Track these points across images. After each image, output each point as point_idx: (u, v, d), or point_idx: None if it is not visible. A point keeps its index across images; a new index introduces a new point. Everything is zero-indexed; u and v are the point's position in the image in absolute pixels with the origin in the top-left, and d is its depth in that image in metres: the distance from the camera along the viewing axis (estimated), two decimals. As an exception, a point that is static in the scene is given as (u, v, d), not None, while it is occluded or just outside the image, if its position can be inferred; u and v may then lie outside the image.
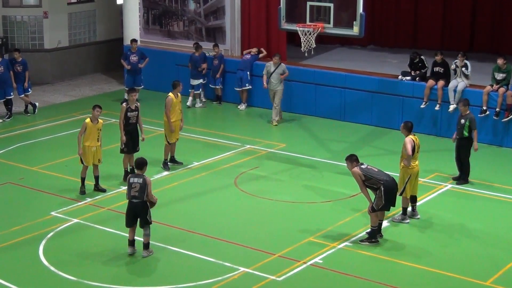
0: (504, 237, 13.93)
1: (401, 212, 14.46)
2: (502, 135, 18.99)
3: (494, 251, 13.36)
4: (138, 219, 12.84)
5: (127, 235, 13.17)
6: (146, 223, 12.81)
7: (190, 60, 22.67)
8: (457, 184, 16.35)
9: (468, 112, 16.20)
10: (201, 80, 22.71)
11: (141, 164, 12.97)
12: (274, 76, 20.97)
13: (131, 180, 12.78)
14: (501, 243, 13.69)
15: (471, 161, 16.54)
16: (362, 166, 13.34)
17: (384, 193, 13.18)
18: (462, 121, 16.19)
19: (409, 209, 14.53)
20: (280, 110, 21.10)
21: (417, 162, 14.20)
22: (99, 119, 15.67)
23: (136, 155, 16.33)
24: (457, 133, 16.36)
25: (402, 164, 14.22)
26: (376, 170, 13.39)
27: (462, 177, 16.44)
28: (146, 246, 12.97)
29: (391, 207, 13.49)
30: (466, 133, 16.12)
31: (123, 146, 16.35)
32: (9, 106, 21.50)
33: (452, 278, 12.31)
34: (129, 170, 16.34)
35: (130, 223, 12.86)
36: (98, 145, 15.69)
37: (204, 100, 23.00)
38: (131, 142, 16.36)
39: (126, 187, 12.87)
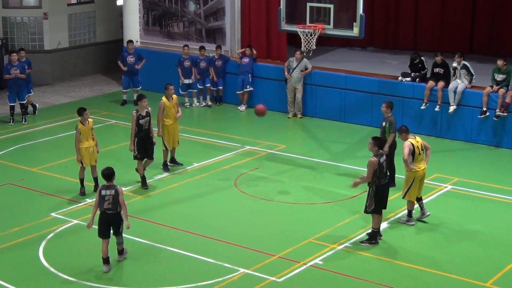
0: (504, 238, 13.92)
1: (406, 214, 14.41)
2: (502, 136, 18.97)
3: (494, 252, 13.36)
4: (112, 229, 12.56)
5: (128, 236, 13.18)
6: (119, 233, 12.58)
7: (209, 63, 22.72)
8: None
9: (390, 114, 15.92)
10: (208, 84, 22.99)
11: (109, 175, 12.48)
12: (296, 71, 21.34)
13: (103, 192, 12.34)
14: (501, 244, 13.69)
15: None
16: (381, 159, 13.22)
17: (375, 194, 13.19)
18: (383, 123, 15.92)
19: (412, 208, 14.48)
20: (301, 105, 21.61)
21: (421, 165, 14.05)
22: (88, 119, 15.67)
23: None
24: (381, 136, 15.93)
25: (406, 169, 14.10)
26: (385, 170, 13.36)
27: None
28: (121, 252, 12.83)
29: (383, 210, 13.46)
30: (387, 136, 15.84)
31: (136, 153, 16.10)
32: (23, 110, 21.37)
33: (452, 279, 12.30)
34: (145, 176, 16.23)
35: (104, 234, 12.47)
36: (93, 144, 15.70)
37: (203, 102, 23.10)
38: (143, 149, 16.07)
39: (98, 199, 12.44)
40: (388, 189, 13.56)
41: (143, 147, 16.08)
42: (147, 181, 16.25)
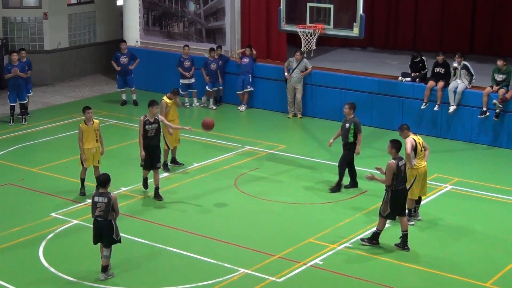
0: (504, 239, 13.92)
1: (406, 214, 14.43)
2: (502, 136, 18.98)
3: (494, 252, 13.36)
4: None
5: (128, 236, 13.17)
6: (110, 243, 12.20)
7: (219, 65, 22.63)
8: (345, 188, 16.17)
9: (352, 116, 15.86)
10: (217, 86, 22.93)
11: (105, 181, 12.17)
12: (296, 71, 21.38)
13: (96, 199, 12.10)
14: (501, 244, 13.69)
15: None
16: (400, 163, 13.12)
17: (391, 199, 13.10)
18: (347, 125, 15.83)
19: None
20: (301, 105, 21.61)
21: (422, 162, 14.09)
22: (93, 120, 15.59)
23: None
24: (342, 138, 15.97)
25: (407, 166, 14.16)
26: (403, 174, 13.25)
27: (352, 183, 16.24)
28: (105, 268, 12.29)
29: (397, 216, 13.39)
30: (351, 138, 15.77)
31: (142, 161, 15.74)
32: (23, 110, 21.33)
33: (452, 279, 12.30)
34: (147, 178, 15.99)
35: (97, 240, 12.32)
36: (97, 146, 15.64)
37: (204, 104, 23.09)
38: (149, 158, 15.54)
39: (91, 205, 12.31)
40: (405, 195, 13.41)
41: (149, 157, 15.54)
42: (148, 182, 16.26)
